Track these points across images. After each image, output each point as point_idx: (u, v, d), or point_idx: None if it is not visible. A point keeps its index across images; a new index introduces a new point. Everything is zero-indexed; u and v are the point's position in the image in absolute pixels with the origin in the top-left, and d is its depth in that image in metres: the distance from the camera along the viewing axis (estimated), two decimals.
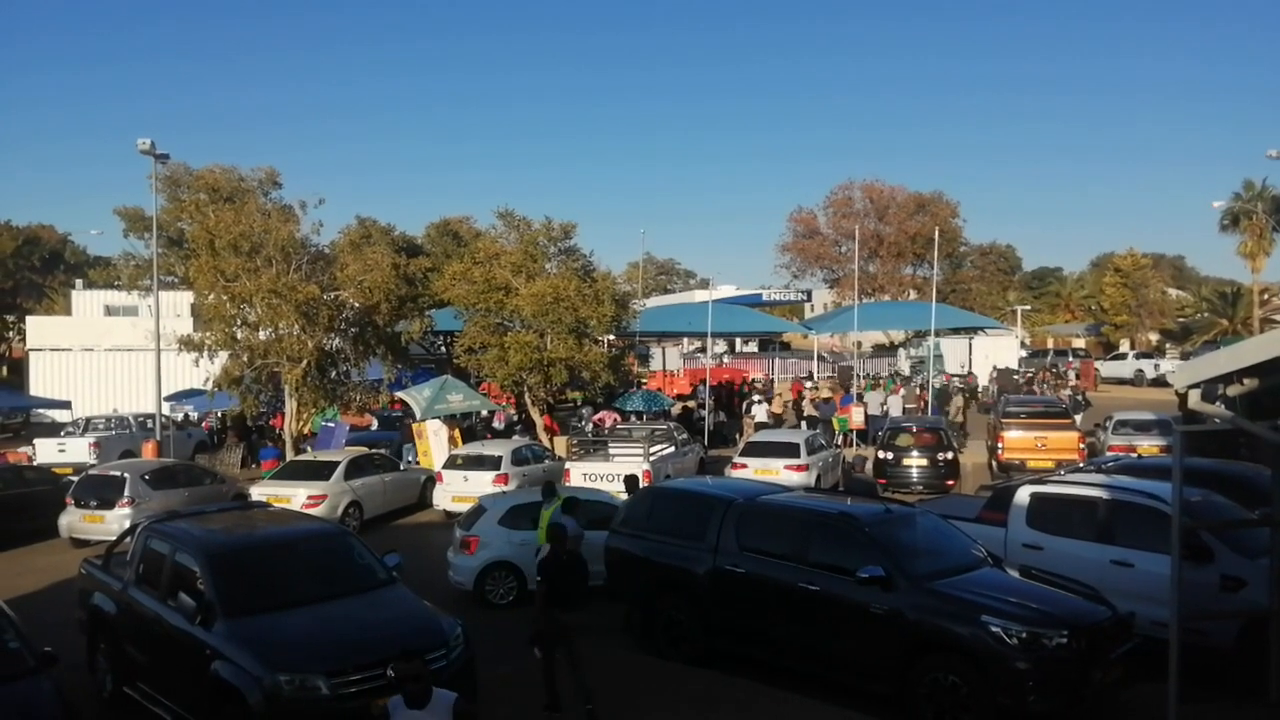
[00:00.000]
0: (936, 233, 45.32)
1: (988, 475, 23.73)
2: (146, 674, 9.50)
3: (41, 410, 37.12)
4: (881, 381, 41.38)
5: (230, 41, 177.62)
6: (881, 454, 22.42)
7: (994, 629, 8.65)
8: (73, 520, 18.63)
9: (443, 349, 42.35)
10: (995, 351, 50.38)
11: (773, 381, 45.13)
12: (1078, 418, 27.96)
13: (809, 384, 40.92)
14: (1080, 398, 35.23)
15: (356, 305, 26.07)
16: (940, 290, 51.87)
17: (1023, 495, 12.15)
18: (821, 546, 10.17)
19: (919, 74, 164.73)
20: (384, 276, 25.59)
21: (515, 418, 32.22)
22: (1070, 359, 55.39)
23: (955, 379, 43.59)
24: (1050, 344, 68.94)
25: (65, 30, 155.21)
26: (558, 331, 27.85)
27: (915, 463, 21.90)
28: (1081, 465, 18.69)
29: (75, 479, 20.17)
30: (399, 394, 27.52)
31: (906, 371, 50.00)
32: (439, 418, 24.75)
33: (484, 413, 30.20)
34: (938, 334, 46.11)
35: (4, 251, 69.40)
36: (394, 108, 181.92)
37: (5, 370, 62.97)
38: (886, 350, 60.22)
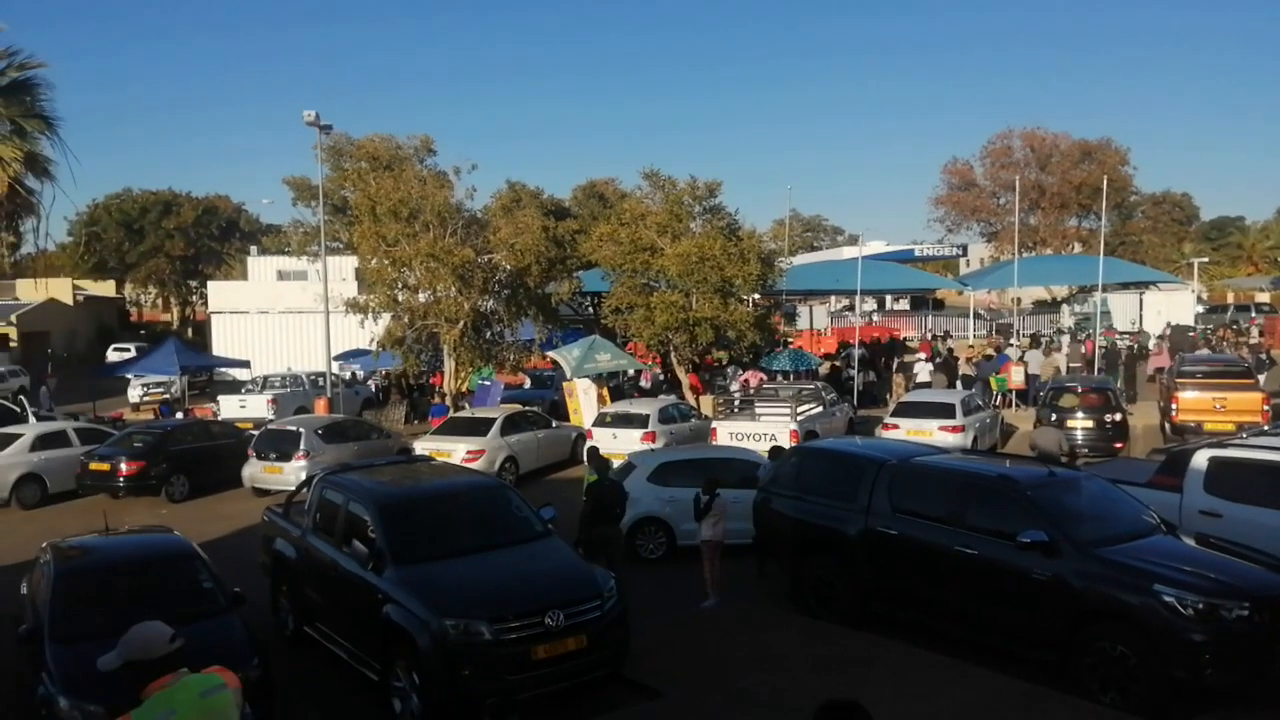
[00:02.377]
0: (1104, 181, 42.75)
1: (1159, 438, 22.42)
2: (324, 615, 10.16)
3: (224, 369, 39.68)
4: (1045, 339, 39.46)
5: (386, 9, 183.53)
6: (1044, 416, 21.49)
7: (1167, 599, 8.22)
8: (254, 471, 19.96)
9: (590, 309, 43.02)
10: (1169, 307, 47.30)
11: (941, 337, 43.55)
12: (1261, 377, 26.03)
13: (946, 342, 39.43)
14: (1264, 356, 32.76)
15: (509, 267, 26.76)
16: (1108, 243, 48.93)
17: (1200, 459, 11.42)
18: (980, 510, 9.87)
19: (1082, 10, 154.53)
20: (534, 239, 26.15)
21: (661, 377, 32.49)
22: (1253, 315, 51.44)
23: (1123, 336, 41.23)
24: (1230, 299, 64.22)
25: (234, 11, 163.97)
26: (703, 291, 27.83)
27: (1080, 424, 20.90)
28: (1266, 428, 17.41)
29: (255, 433, 21.61)
30: (550, 353, 28.17)
31: (1070, 329, 47.61)
32: (588, 377, 25.23)
33: (630, 372, 30.57)
34: (1105, 289, 43.64)
35: (186, 221, 74.40)
36: (540, 72, 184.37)
37: (191, 332, 67.82)
38: (1048, 307, 57.45)
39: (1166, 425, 22.71)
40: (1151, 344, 38.83)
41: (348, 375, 35.43)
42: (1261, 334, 43.39)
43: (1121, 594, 8.55)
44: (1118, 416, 21.25)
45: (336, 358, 31.89)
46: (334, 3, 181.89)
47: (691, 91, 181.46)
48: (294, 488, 13.44)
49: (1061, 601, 8.87)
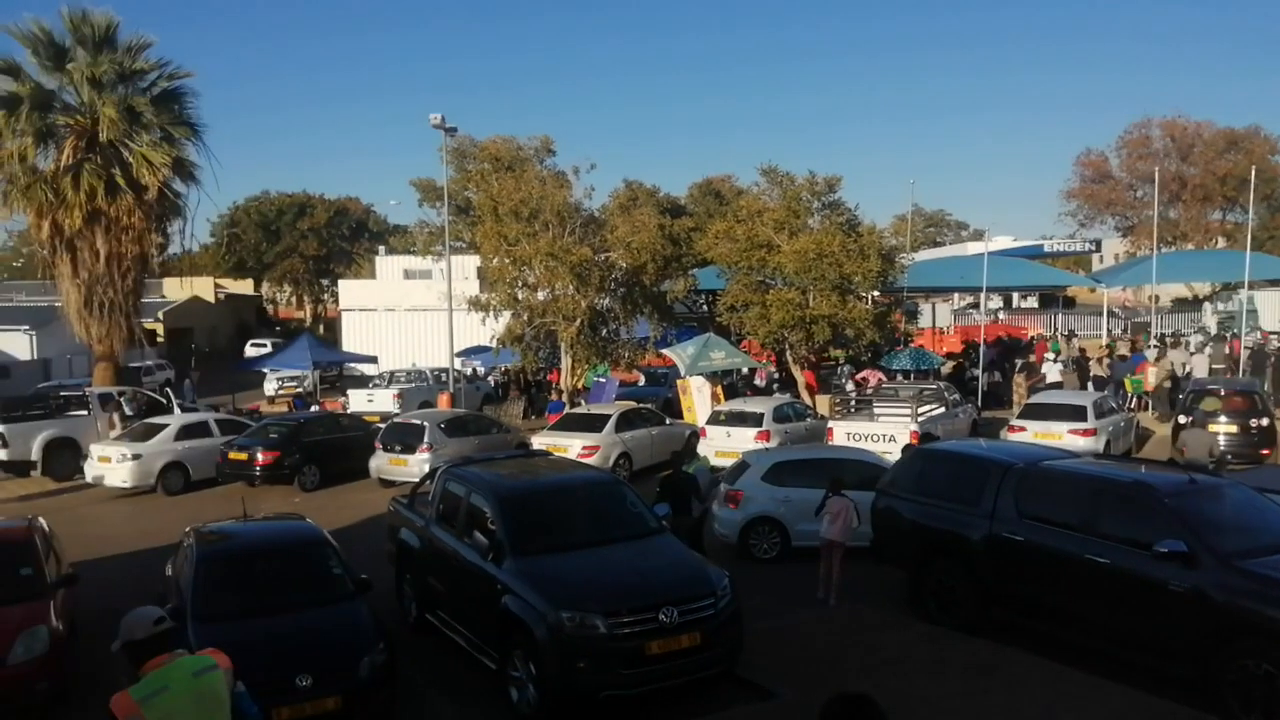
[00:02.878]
0: (1252, 172, 40.28)
1: None
2: (445, 603, 10.44)
3: (353, 364, 41.26)
4: (1164, 341, 37.33)
5: (507, 10, 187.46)
6: (1183, 419, 20.42)
7: None
8: (380, 463, 20.69)
9: (705, 307, 43.00)
10: None
11: (1066, 336, 41.85)
12: None
13: (1072, 341, 37.70)
14: None
15: (625, 266, 27.00)
16: (1256, 237, 46.05)
17: None
18: (1113, 517, 9.43)
19: None
20: (650, 237, 26.31)
21: (776, 375, 32.23)
22: None
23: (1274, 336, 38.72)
24: None
25: (366, 19, 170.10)
26: (820, 288, 27.45)
27: (1224, 429, 19.77)
28: None
29: (382, 426, 22.38)
30: (664, 351, 28.28)
31: (1213, 328, 45.02)
32: (702, 374, 25.21)
33: (745, 370, 30.43)
34: (1252, 286, 41.06)
35: (319, 222, 77.72)
36: (658, 69, 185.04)
37: (321, 329, 70.76)
38: (1189, 305, 54.47)
39: None
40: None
41: (469, 371, 36.35)
42: None
43: (1268, 609, 8.05)
44: (1264, 421, 20.02)
45: (458, 354, 32.77)
46: (458, 5, 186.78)
47: (813, 86, 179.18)
48: (418, 479, 13.86)
49: (1201, 616, 8.40)
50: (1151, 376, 27.07)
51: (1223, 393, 20.80)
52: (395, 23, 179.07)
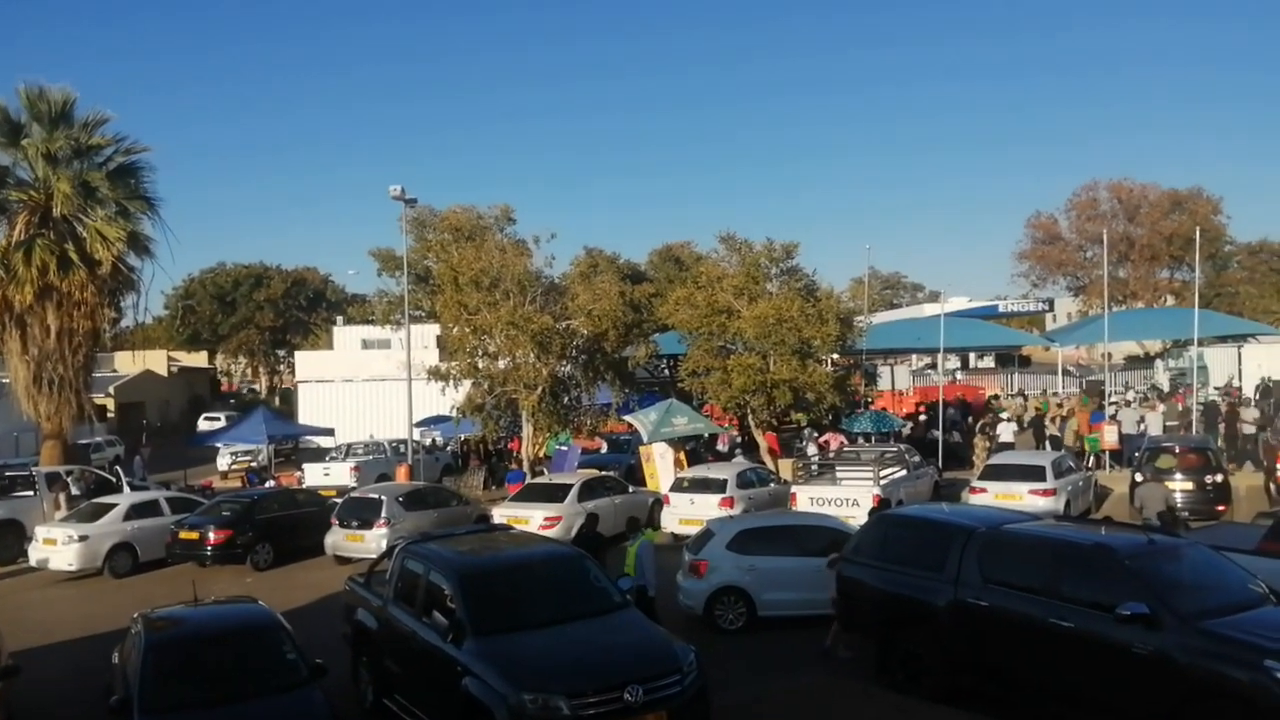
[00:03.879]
0: (1197, 232, 41.43)
1: (1265, 501, 21.32)
2: (403, 687, 10.13)
3: (309, 437, 40.66)
4: (1126, 400, 37.99)
5: (466, 82, 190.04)
6: (1139, 477, 20.63)
7: (1279, 675, 7.72)
8: (336, 539, 20.24)
9: (667, 372, 43.08)
10: (1269, 361, 45.30)
11: (1015, 396, 42.54)
12: None
13: (1024, 401, 38.21)
14: None
15: (586, 333, 27.02)
16: (1203, 295, 47.30)
17: None
18: (1075, 580, 9.42)
19: (1174, 59, 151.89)
20: (612, 305, 26.40)
21: (738, 440, 32.20)
22: None
23: (1221, 392, 39.58)
24: None
25: (308, 83, 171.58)
26: (781, 353, 27.63)
27: (1179, 486, 20.00)
28: None
29: (339, 501, 21.95)
30: (627, 417, 28.19)
31: (1165, 385, 45.90)
32: (665, 440, 25.13)
33: (707, 435, 30.43)
34: (1201, 343, 42.00)
35: (276, 293, 77.24)
36: (616, 140, 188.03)
37: (278, 400, 69.83)
38: (1141, 362, 55.58)
39: (1272, 486, 21.63)
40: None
41: (428, 442, 35.93)
42: None
43: (1229, 670, 8.05)
44: (1219, 477, 20.31)
45: (417, 424, 32.40)
46: (416, 78, 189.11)
47: (770, 159, 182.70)
48: (375, 556, 13.59)
49: (1165, 678, 8.38)
50: (1108, 435, 27.40)
51: (1177, 450, 21.11)
52: (354, 95, 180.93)
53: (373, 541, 18.97)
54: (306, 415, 45.54)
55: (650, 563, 12.75)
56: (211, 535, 19.94)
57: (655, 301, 31.83)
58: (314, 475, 30.64)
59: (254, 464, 34.80)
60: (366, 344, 48.41)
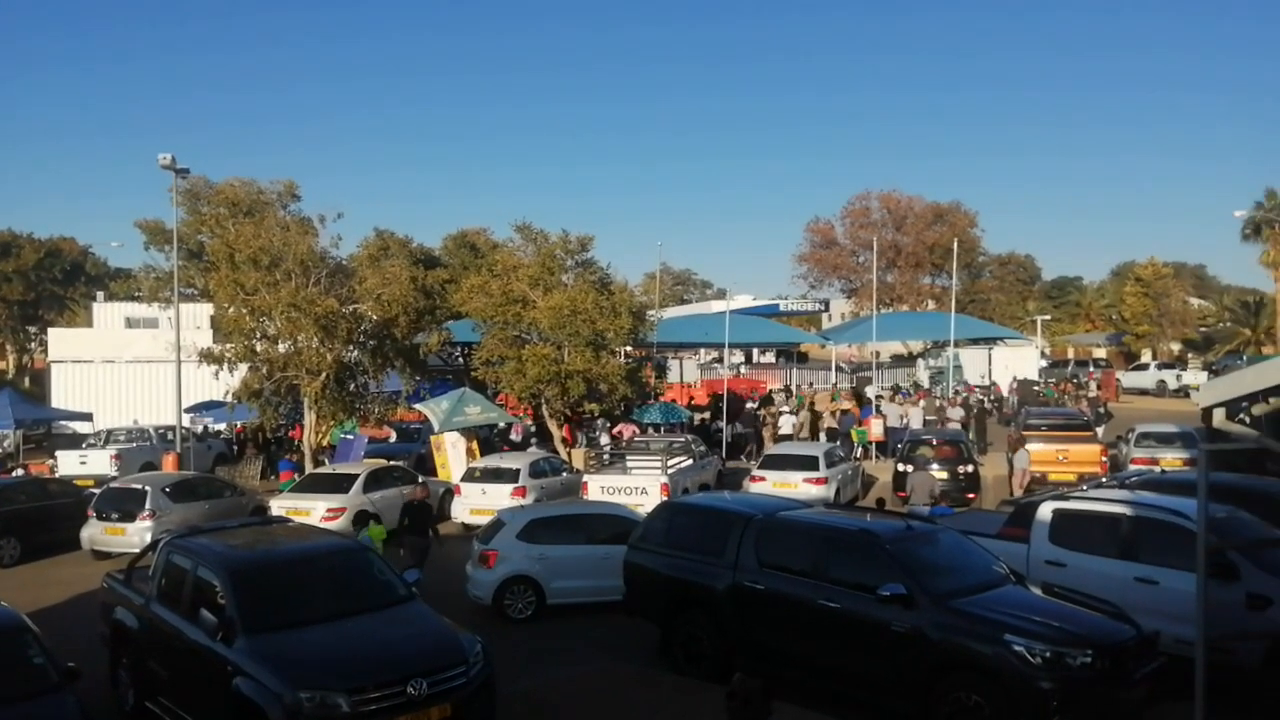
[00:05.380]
0: (955, 243, 45.26)
1: (1009, 489, 23.54)
2: (168, 689, 9.54)
3: (63, 422, 37.38)
4: (891, 394, 40.83)
5: (248, 50, 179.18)
6: (901, 467, 22.30)
7: (1017, 648, 8.58)
8: (94, 533, 18.75)
9: (460, 361, 42.45)
10: (1015, 362, 50.05)
11: (793, 391, 44.84)
12: (1099, 430, 27.73)
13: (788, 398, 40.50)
14: (1102, 409, 34.94)
15: (375, 318, 26.16)
16: (959, 300, 51.61)
17: (1045, 511, 12.03)
18: (842, 563, 10.11)
19: (940, 84, 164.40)
20: (402, 289, 25.70)
21: (533, 430, 32.25)
22: (1091, 369, 54.96)
23: (977, 389, 43.35)
24: (1071, 354, 68.53)
25: (80, 37, 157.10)
26: (575, 344, 27.86)
27: (935, 476, 21.70)
28: (1104, 479, 18.51)
29: (97, 491, 20.33)
30: (417, 406, 27.58)
31: (925, 382, 49.74)
32: (457, 430, 24.79)
33: (501, 425, 30.29)
34: (957, 344, 45.84)
35: (26, 264, 70.12)
36: (411, 120, 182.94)
37: (28, 382, 63.55)
38: (905, 361, 59.97)
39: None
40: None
41: (199, 429, 33.82)
42: (1099, 388, 46.31)
43: (975, 644, 8.87)
44: (970, 468, 22.22)
45: (188, 410, 30.42)
46: (193, 37, 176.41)
47: (562, 151, 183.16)
48: (138, 550, 12.68)
49: (920, 653, 9.13)
50: (875, 428, 29.42)
51: (934, 442, 22.92)
52: (124, 55, 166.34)
53: (135, 535, 17.70)
54: (61, 398, 41.75)
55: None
56: None
57: (449, 288, 31.27)
58: (69, 464, 28.10)
59: None
60: (131, 322, 44.84)
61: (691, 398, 41.85)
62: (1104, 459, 22.61)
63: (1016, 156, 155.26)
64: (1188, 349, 64.38)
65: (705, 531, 11.53)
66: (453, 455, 24.36)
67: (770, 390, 45.38)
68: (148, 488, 19.17)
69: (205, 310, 37.99)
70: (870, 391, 37.42)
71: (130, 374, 42.05)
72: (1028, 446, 22.77)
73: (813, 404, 35.00)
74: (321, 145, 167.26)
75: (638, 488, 19.71)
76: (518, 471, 20.87)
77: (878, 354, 51.15)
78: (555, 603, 13.87)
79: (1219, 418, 7.83)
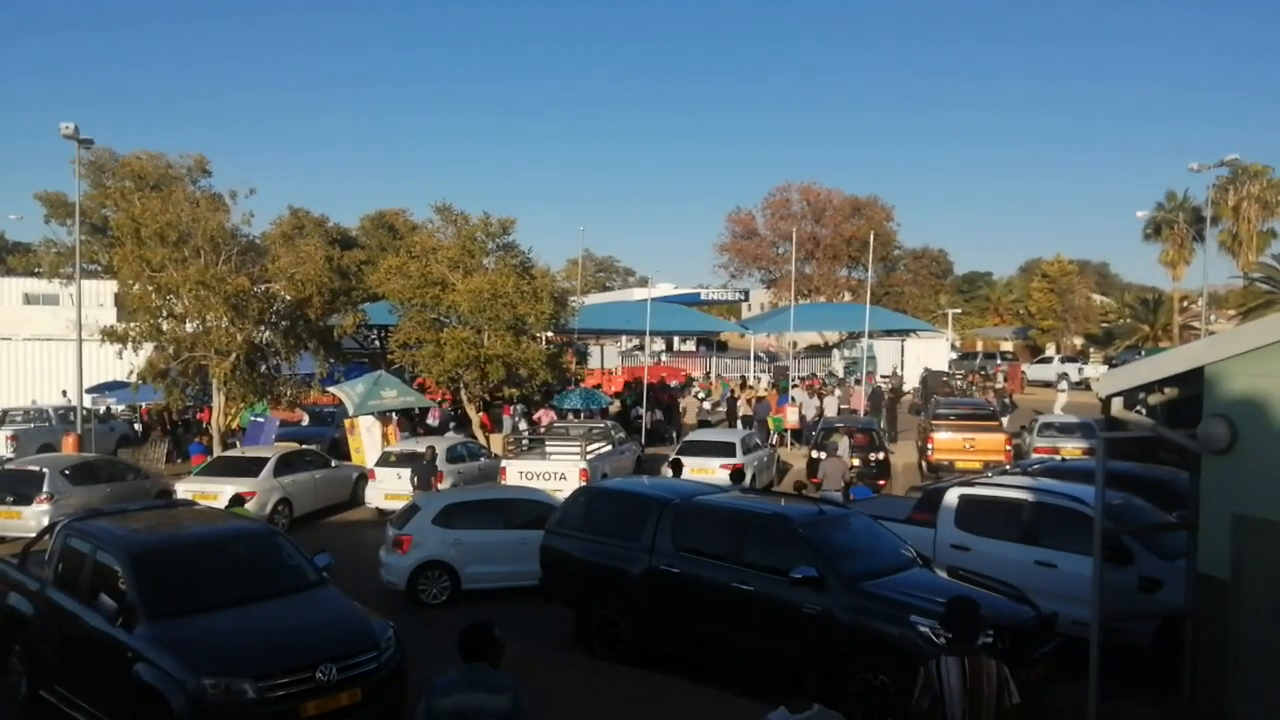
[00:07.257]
0: (872, 236, 46.01)
1: (918, 475, 24.17)
2: (65, 677, 9.21)
3: None
4: (812, 382, 41.61)
5: (158, 20, 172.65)
6: (814, 454, 22.68)
7: (922, 629, 8.81)
8: None
9: (377, 344, 41.74)
10: (927, 354, 51.33)
11: (711, 378, 45.35)
12: (1005, 420, 28.63)
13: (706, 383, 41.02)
14: (1008, 400, 36.06)
15: (288, 298, 25.55)
16: (874, 293, 52.60)
17: (951, 497, 12.39)
18: (756, 547, 10.26)
19: (859, 80, 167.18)
20: (316, 269, 25.14)
21: (451, 414, 31.89)
22: (998, 362, 56.72)
23: (883, 379, 44.37)
24: (979, 347, 70.58)
25: None
26: (495, 328, 27.62)
27: (847, 462, 22.17)
28: (1008, 467, 19.14)
29: None
30: (331, 389, 27.03)
31: (840, 372, 50.67)
32: (372, 414, 24.37)
33: (418, 409, 29.89)
34: (871, 336, 46.77)
35: None
36: (331, 95, 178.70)
37: None
38: (821, 351, 60.97)
39: (923, 463, 24.54)
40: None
41: (101, 410, 32.60)
42: (1005, 379, 47.82)
43: (882, 625, 9.10)
44: (881, 455, 22.74)
45: (89, 390, 29.29)
46: (102, 5, 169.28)
47: (485, 129, 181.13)
48: (34, 535, 12.19)
49: (830, 633, 9.32)
50: (790, 416, 29.87)
51: (847, 430, 23.37)
52: (27, 24, 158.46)
53: (32, 518, 16.99)
54: None
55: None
56: None
57: (366, 269, 30.70)
58: None
59: None
60: (29, 298, 42.95)
61: (613, 384, 41.91)
62: (1008, 448, 23.36)
63: (933, 156, 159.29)
64: (1090, 344, 66.87)
65: (622, 516, 11.57)
66: (367, 439, 23.92)
67: (690, 377, 45.77)
68: (45, 470, 18.41)
69: (109, 287, 36.58)
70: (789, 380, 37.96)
71: (28, 352, 40.22)
72: (936, 435, 23.54)
73: (734, 395, 35.33)
74: (234, 121, 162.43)
75: (556, 473, 19.66)
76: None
77: (795, 344, 51.89)
78: (471, 588, 13.79)
79: (1117, 407, 8.14)
